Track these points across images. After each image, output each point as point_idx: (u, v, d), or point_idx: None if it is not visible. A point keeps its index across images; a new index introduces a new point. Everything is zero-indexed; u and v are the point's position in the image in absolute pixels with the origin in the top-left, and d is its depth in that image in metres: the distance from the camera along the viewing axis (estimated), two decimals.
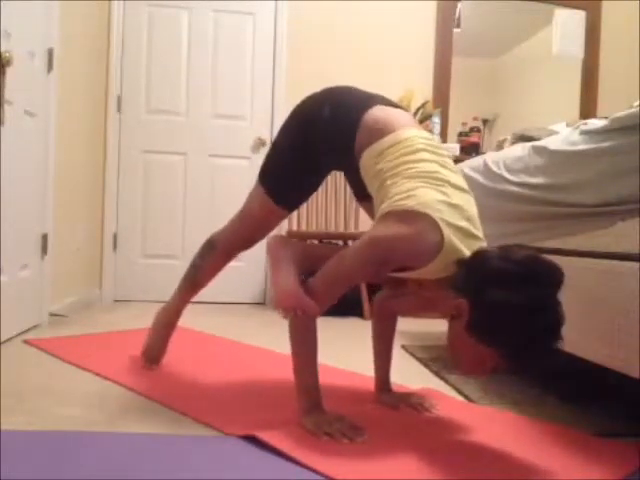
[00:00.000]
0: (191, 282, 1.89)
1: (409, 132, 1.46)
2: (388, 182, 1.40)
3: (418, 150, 1.42)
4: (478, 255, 1.28)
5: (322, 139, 1.56)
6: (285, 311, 1.38)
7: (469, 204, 1.38)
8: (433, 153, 1.43)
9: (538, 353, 1.20)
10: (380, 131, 1.47)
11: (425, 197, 1.31)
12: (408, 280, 1.49)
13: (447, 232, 1.27)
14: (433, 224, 1.27)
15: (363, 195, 1.61)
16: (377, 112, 1.52)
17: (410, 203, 1.30)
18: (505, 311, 1.19)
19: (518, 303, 1.17)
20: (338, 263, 1.37)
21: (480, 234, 1.36)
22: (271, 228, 1.77)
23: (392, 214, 1.33)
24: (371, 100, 1.56)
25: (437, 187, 1.34)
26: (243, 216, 1.77)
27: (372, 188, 1.49)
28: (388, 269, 1.39)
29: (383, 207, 1.37)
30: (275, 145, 1.70)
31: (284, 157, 1.65)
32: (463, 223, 1.31)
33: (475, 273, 1.25)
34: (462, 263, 1.28)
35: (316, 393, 1.40)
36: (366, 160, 1.48)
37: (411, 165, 1.39)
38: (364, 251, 1.34)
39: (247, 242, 1.80)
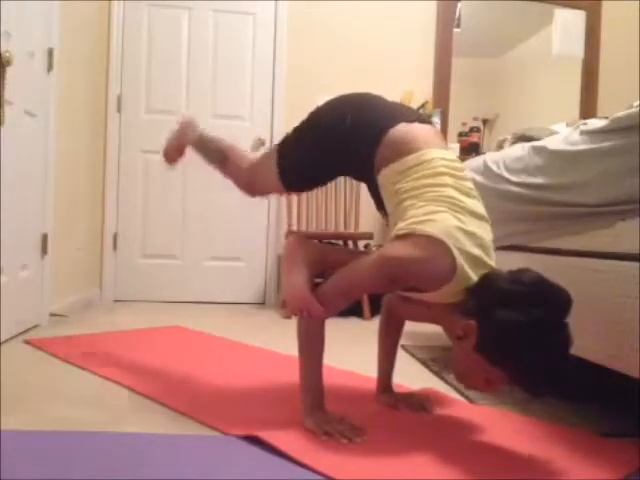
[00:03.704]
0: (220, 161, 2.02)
1: (432, 153, 1.43)
2: (406, 203, 1.39)
3: (439, 174, 1.39)
4: (487, 277, 1.29)
5: (341, 148, 1.52)
6: (292, 312, 1.40)
7: (485, 231, 1.37)
8: (454, 177, 1.40)
9: (545, 375, 1.21)
10: (402, 150, 1.44)
11: (443, 223, 1.30)
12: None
13: (460, 261, 1.27)
14: (448, 251, 1.27)
15: (383, 204, 1.58)
16: (402, 129, 1.47)
17: (427, 228, 1.29)
18: (514, 332, 1.20)
19: (527, 325, 1.19)
20: (350, 273, 1.38)
21: (491, 262, 1.35)
22: (267, 194, 1.92)
23: (410, 236, 1.32)
24: (396, 115, 1.51)
25: (455, 213, 1.33)
26: (251, 168, 1.78)
27: (389, 206, 1.48)
28: (398, 288, 1.41)
29: (400, 227, 1.35)
30: (300, 130, 1.63)
31: (303, 148, 1.61)
32: (476, 251, 1.31)
33: (484, 294, 1.27)
34: (471, 289, 1.29)
35: (319, 394, 1.41)
36: (385, 178, 1.46)
37: (430, 189, 1.37)
38: (377, 268, 1.34)
39: (244, 185, 1.83)
